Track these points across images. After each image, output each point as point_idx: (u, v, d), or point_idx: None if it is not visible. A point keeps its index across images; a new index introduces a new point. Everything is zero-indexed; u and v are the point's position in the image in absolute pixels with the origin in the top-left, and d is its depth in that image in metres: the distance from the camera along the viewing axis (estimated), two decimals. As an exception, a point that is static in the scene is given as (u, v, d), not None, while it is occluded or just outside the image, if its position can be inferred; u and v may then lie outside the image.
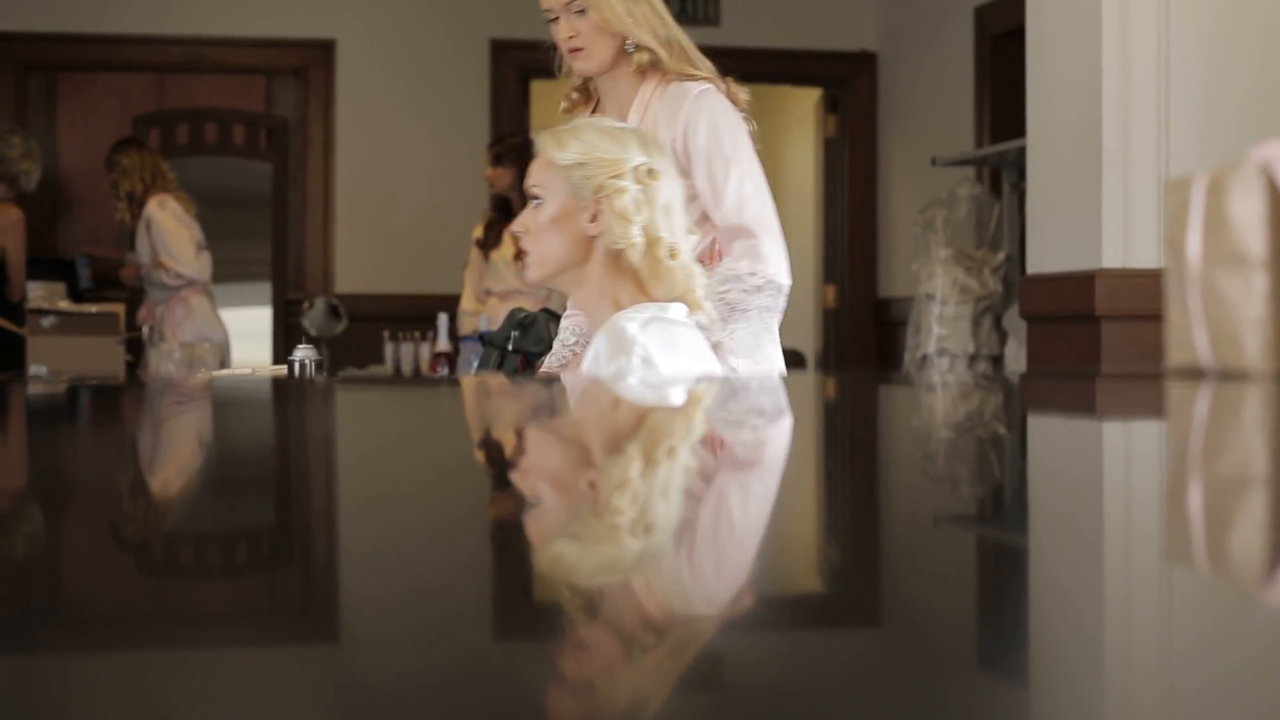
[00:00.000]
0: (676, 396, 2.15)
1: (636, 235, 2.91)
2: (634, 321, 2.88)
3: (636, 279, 2.95)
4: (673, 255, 2.93)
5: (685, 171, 3.40)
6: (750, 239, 3.43)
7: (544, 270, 3.01)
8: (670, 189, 2.98)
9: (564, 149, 2.96)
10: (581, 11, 3.45)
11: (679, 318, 2.95)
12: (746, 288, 3.42)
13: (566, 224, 2.96)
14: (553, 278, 3.03)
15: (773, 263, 3.45)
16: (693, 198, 3.36)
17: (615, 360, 2.86)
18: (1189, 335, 1.98)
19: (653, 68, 3.51)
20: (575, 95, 3.64)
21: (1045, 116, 4.84)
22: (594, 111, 3.58)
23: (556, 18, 3.49)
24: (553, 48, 3.58)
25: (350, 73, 9.15)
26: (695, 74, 3.51)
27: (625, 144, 2.96)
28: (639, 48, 3.50)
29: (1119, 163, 4.51)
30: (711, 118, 3.45)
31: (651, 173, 2.94)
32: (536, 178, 3.01)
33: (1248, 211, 1.92)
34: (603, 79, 3.56)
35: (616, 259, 2.95)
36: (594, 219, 2.94)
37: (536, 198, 3.00)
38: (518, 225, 3.05)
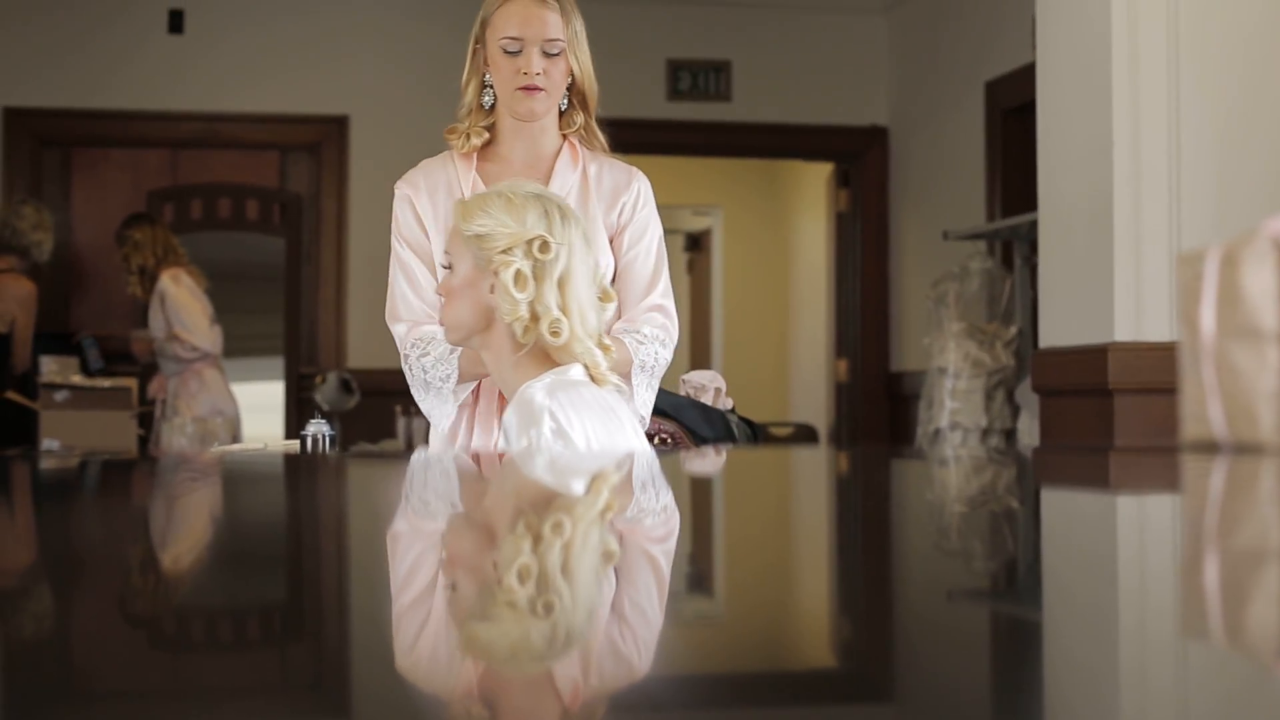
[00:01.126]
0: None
1: (522, 310, 2.92)
2: (540, 391, 2.90)
3: (542, 348, 2.98)
4: (554, 333, 2.93)
5: (612, 241, 3.42)
6: (668, 322, 3.43)
7: (455, 334, 3.07)
8: (570, 261, 2.97)
9: (469, 220, 2.98)
10: (555, 54, 3.36)
11: (580, 378, 2.96)
12: (664, 361, 3.41)
13: (471, 292, 2.99)
14: (464, 341, 3.08)
15: (670, 353, 3.45)
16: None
17: (526, 433, 2.88)
18: (1204, 409, 1.97)
19: (572, 129, 3.47)
20: (483, 132, 3.46)
21: (1056, 190, 4.85)
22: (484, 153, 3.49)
23: (520, 51, 3.35)
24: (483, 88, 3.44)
25: (363, 148, 9.19)
26: (600, 144, 3.50)
27: (524, 216, 2.95)
28: (578, 105, 3.46)
29: (1131, 236, 4.51)
30: (653, 209, 3.48)
31: (544, 246, 2.93)
32: (450, 244, 3.05)
33: (1261, 285, 1.92)
34: (528, 127, 3.43)
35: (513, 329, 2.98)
36: (493, 289, 2.96)
37: (447, 265, 3.04)
38: (439, 288, 3.08)
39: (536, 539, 1.25)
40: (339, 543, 1.38)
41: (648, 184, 3.50)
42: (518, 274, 2.92)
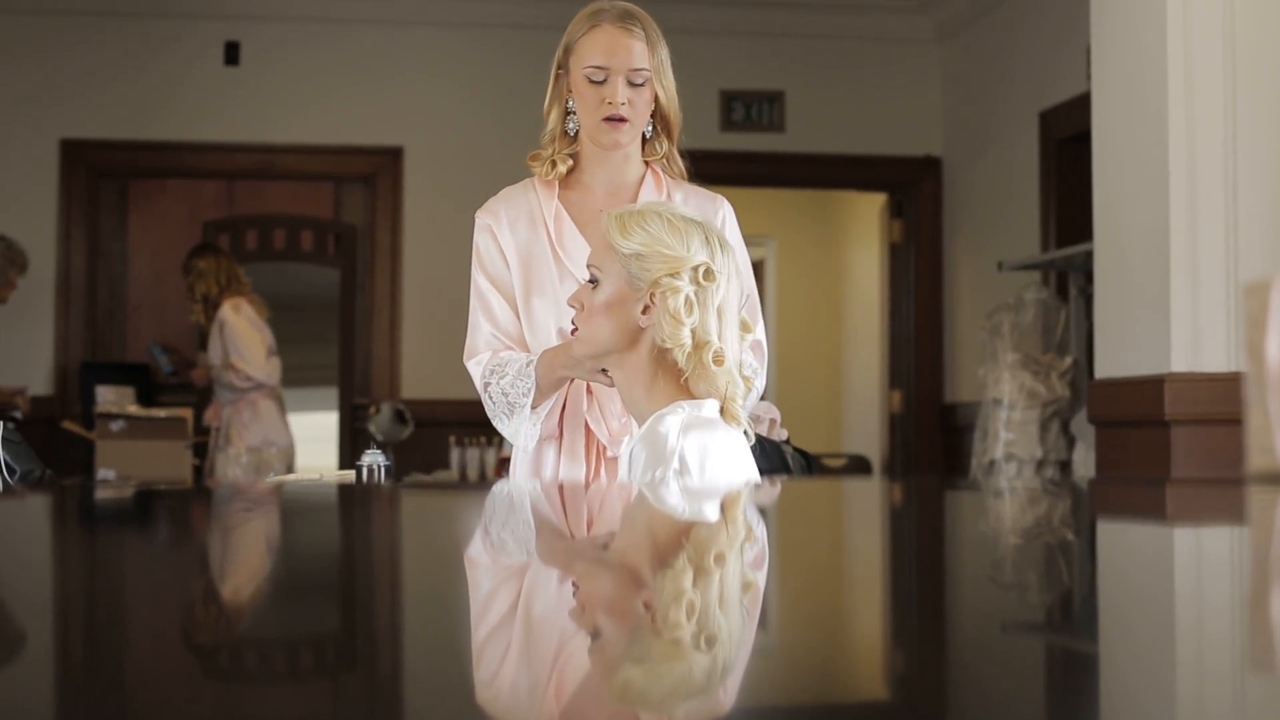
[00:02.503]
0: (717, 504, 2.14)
1: (685, 337, 2.86)
2: (675, 429, 2.84)
3: (678, 374, 2.92)
4: (718, 361, 2.88)
5: None
6: (761, 354, 3.40)
7: (590, 350, 2.99)
8: (726, 290, 2.92)
9: (626, 235, 2.90)
10: (640, 84, 3.31)
11: (713, 415, 2.92)
12: (756, 390, 3.37)
13: (618, 310, 2.92)
14: (597, 359, 3.00)
15: (763, 382, 3.40)
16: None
17: (652, 468, 2.82)
18: (1269, 440, 1.95)
19: (656, 157, 3.41)
20: (568, 159, 3.41)
21: (1112, 220, 4.83)
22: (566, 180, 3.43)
23: (605, 80, 3.30)
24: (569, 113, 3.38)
25: (418, 179, 9.24)
26: (679, 172, 3.45)
27: (688, 240, 2.89)
28: (662, 133, 3.41)
29: (1187, 266, 4.48)
30: (740, 236, 3.41)
31: (709, 273, 2.87)
32: (596, 258, 2.98)
33: (1323, 315, 1.90)
34: (611, 155, 3.38)
35: (662, 353, 2.91)
36: (645, 311, 2.90)
37: (594, 278, 2.97)
38: (573, 299, 3.01)
39: (695, 572, 1.25)
40: (395, 574, 1.38)
41: (733, 211, 3.46)
42: (686, 300, 2.88)
